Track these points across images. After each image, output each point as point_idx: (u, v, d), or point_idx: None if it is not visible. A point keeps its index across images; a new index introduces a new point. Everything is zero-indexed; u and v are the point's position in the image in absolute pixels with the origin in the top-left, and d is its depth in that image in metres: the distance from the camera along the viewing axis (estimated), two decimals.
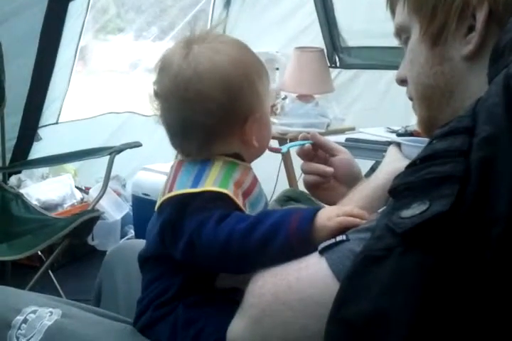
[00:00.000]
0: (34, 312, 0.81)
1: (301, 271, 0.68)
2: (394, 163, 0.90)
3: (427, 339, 0.48)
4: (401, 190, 0.55)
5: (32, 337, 0.79)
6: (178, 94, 0.79)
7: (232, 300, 0.75)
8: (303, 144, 1.00)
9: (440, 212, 0.49)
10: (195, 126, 0.80)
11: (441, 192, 0.50)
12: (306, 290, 0.66)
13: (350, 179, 0.96)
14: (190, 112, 0.79)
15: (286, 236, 0.71)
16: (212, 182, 0.78)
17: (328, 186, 0.99)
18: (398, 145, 0.96)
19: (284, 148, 1.01)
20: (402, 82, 0.78)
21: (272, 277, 0.69)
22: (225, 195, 0.77)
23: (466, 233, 0.48)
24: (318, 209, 0.74)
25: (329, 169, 0.98)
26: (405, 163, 0.80)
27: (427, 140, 0.71)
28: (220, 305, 0.79)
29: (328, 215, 0.72)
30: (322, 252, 0.68)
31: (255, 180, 0.85)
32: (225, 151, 0.82)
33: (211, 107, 0.78)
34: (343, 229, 0.69)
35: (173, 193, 0.79)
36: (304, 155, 1.01)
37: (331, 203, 0.93)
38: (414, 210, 0.51)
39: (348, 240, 0.67)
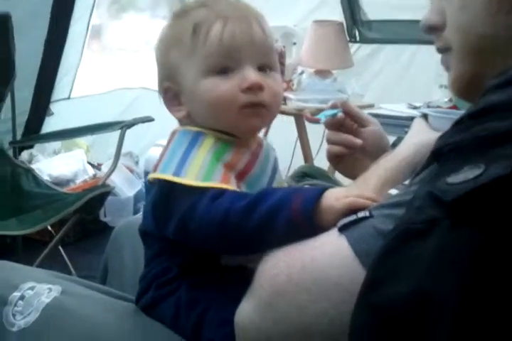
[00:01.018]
0: (32, 288, 0.77)
1: (317, 250, 0.61)
2: (420, 134, 0.83)
3: (475, 325, 0.40)
4: (447, 152, 0.46)
5: (29, 314, 0.74)
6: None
7: (239, 278, 0.69)
8: (336, 113, 0.93)
9: (500, 175, 0.40)
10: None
11: (500, 152, 0.41)
12: (323, 270, 0.60)
13: (378, 152, 0.89)
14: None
15: (288, 216, 0.64)
16: (196, 172, 0.71)
17: (353, 158, 0.93)
18: (425, 117, 0.89)
19: (322, 117, 0.94)
20: (431, 29, 0.66)
21: (285, 256, 0.63)
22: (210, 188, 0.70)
23: None
24: (325, 188, 0.67)
25: (358, 140, 0.92)
26: (433, 134, 0.72)
27: (457, 112, 0.63)
28: (226, 285, 0.73)
29: (336, 195, 0.65)
30: (342, 230, 0.61)
31: (254, 158, 0.78)
32: (204, 124, 0.77)
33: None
34: (352, 212, 0.63)
35: (157, 175, 0.73)
36: (332, 124, 0.94)
37: (353, 176, 0.86)
38: (466, 174, 0.42)
39: (371, 216, 0.60)
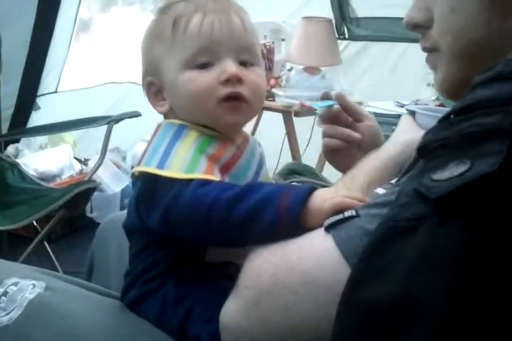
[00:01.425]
0: (15, 284, 0.76)
1: (304, 249, 0.61)
2: (407, 132, 0.82)
3: (464, 328, 0.39)
4: (433, 148, 0.45)
5: (12, 310, 0.73)
6: None
7: (225, 275, 0.69)
8: (332, 105, 0.91)
9: (486, 172, 0.40)
10: None
11: (486, 148, 0.41)
12: (310, 271, 0.59)
13: (373, 148, 0.87)
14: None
15: (274, 214, 0.64)
16: (179, 164, 0.70)
17: (348, 152, 0.91)
18: (412, 114, 0.88)
19: (317, 108, 0.93)
20: (416, 27, 0.65)
21: (271, 256, 0.62)
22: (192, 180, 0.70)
23: None
24: (312, 188, 0.66)
25: (356, 135, 0.90)
26: (420, 132, 0.72)
27: (445, 110, 0.62)
28: (212, 281, 0.73)
29: (323, 197, 0.64)
30: (328, 229, 0.60)
31: (239, 152, 0.77)
32: (187, 119, 0.76)
33: None
34: (339, 212, 0.62)
35: (141, 168, 0.73)
36: (328, 117, 0.92)
37: (347, 170, 0.85)
38: (451, 171, 0.41)
39: (358, 216, 0.59)
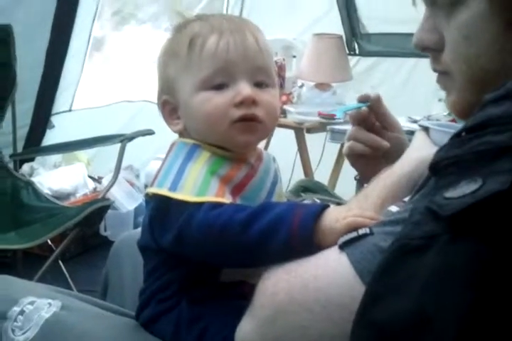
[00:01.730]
0: (32, 303, 0.76)
1: (318, 268, 0.61)
2: (421, 149, 0.82)
3: None
4: (445, 166, 0.46)
5: (28, 330, 0.74)
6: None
7: (240, 294, 0.69)
8: (359, 107, 0.87)
9: (498, 190, 0.40)
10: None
11: (497, 166, 0.41)
12: (325, 289, 0.59)
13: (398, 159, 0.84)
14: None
15: (287, 234, 0.64)
16: (190, 187, 0.71)
17: (372, 159, 0.88)
18: (426, 130, 0.88)
19: (339, 113, 0.91)
20: (426, 49, 0.65)
21: (286, 274, 0.62)
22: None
23: None
24: (324, 206, 0.66)
25: (385, 143, 0.87)
26: (433, 149, 0.71)
27: (458, 126, 0.61)
28: (227, 301, 0.73)
29: (336, 216, 0.64)
30: (343, 247, 0.60)
31: (252, 172, 0.77)
32: (201, 139, 0.77)
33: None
34: (354, 230, 0.62)
35: (154, 190, 0.73)
36: (358, 119, 0.88)
37: (367, 177, 0.82)
38: (463, 189, 0.42)
39: (371, 234, 0.59)
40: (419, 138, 0.84)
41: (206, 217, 0.67)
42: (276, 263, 0.64)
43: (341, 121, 2.27)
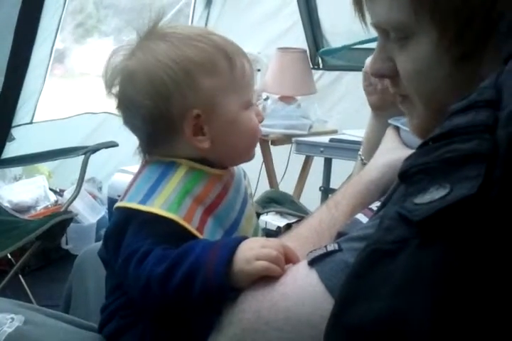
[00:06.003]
0: None
1: (286, 285, 0.59)
2: (390, 152, 0.82)
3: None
4: (414, 173, 0.47)
5: None
6: (120, 102, 0.79)
7: (205, 310, 0.68)
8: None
9: (466, 195, 0.41)
10: (137, 131, 0.79)
11: (464, 173, 0.43)
12: (294, 307, 0.58)
13: None
14: (129, 118, 0.79)
15: (204, 282, 0.64)
16: (163, 201, 0.71)
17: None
18: (397, 129, 0.86)
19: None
20: (383, 77, 0.67)
21: (253, 291, 0.61)
22: (171, 221, 0.71)
23: (497, 222, 0.41)
24: (237, 242, 0.65)
25: None
26: (404, 153, 0.71)
27: None
28: (193, 317, 0.72)
29: (246, 257, 0.63)
30: (312, 263, 0.59)
31: (224, 191, 0.78)
32: (186, 155, 0.76)
33: (144, 113, 0.76)
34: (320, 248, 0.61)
35: (122, 204, 0.74)
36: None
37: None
38: (432, 195, 0.43)
39: (340, 250, 0.59)
40: (390, 136, 0.85)
41: (135, 270, 0.68)
42: (205, 305, 0.64)
43: (305, 133, 2.30)
